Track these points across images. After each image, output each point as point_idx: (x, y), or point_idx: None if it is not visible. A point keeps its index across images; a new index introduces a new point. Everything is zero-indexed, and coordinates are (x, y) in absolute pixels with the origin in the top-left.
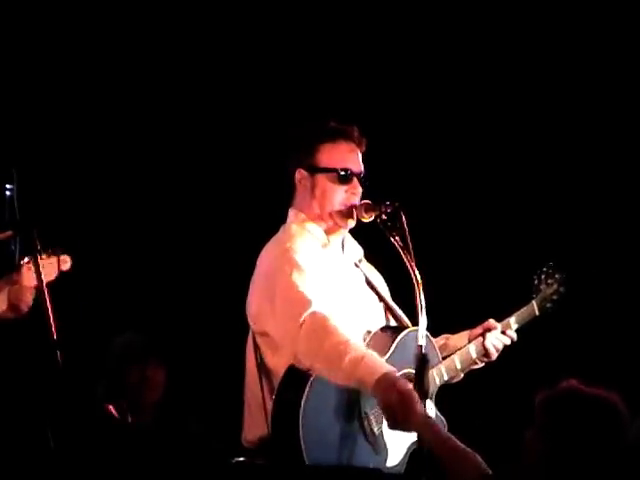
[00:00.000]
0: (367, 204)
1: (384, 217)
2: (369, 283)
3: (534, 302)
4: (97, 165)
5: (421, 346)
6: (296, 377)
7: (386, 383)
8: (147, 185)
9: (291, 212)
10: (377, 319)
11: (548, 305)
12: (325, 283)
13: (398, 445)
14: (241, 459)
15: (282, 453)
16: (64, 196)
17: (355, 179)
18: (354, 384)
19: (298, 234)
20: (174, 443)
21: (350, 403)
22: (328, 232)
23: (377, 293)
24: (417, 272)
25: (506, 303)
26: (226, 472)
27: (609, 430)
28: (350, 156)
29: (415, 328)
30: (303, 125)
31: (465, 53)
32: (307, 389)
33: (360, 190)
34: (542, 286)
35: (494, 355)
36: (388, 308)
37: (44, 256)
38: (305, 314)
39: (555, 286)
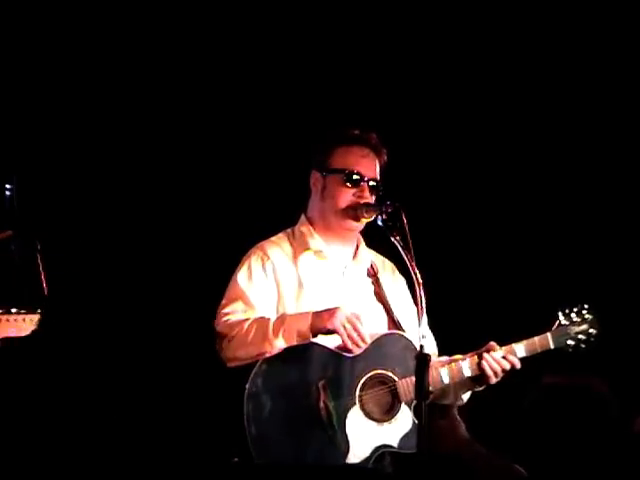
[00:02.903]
0: (368, 204)
1: (385, 217)
2: (378, 294)
3: (549, 335)
4: (96, 165)
5: (422, 346)
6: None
7: (323, 312)
8: (147, 185)
9: (301, 217)
10: (374, 328)
11: (569, 342)
12: (290, 288)
13: (362, 442)
14: (235, 459)
15: (233, 449)
16: (64, 196)
17: (365, 184)
18: (288, 340)
19: (275, 242)
20: (174, 443)
21: (308, 395)
22: (332, 237)
23: (385, 305)
24: (418, 272)
25: (506, 304)
26: (226, 472)
27: (595, 410)
28: (362, 160)
29: (396, 332)
30: (324, 131)
31: (465, 55)
32: (250, 384)
33: (368, 195)
34: (565, 322)
35: (491, 378)
36: (392, 321)
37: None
38: (222, 310)
39: (584, 326)
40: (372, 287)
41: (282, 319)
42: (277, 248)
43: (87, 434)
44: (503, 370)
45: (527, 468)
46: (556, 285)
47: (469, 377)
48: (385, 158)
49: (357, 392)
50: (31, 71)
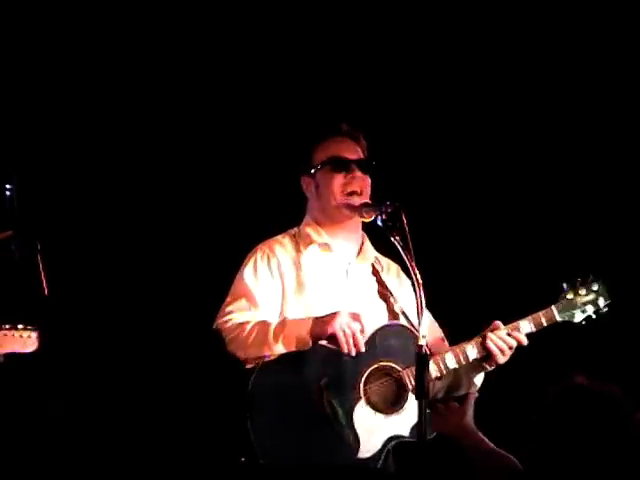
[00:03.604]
0: (367, 204)
1: (384, 217)
2: (381, 292)
3: (554, 307)
4: (96, 165)
5: (421, 346)
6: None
7: (324, 317)
8: (148, 185)
9: (305, 217)
10: (376, 326)
11: (577, 314)
12: (294, 286)
13: (372, 436)
14: (242, 459)
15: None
16: (64, 196)
17: (353, 165)
18: (288, 345)
19: (280, 240)
20: (181, 444)
21: (311, 394)
22: (337, 231)
23: (388, 303)
24: (417, 272)
25: (508, 302)
26: (227, 472)
27: (613, 423)
28: (342, 146)
29: (395, 322)
30: (297, 137)
31: (465, 54)
32: (251, 386)
33: (360, 174)
34: (571, 294)
35: (499, 357)
36: (394, 319)
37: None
38: (227, 308)
39: (591, 296)
40: (375, 285)
41: (283, 324)
42: (282, 246)
43: (92, 445)
44: (510, 347)
45: (533, 464)
46: (557, 286)
47: (477, 359)
48: (364, 141)
49: (361, 386)
50: (31, 71)
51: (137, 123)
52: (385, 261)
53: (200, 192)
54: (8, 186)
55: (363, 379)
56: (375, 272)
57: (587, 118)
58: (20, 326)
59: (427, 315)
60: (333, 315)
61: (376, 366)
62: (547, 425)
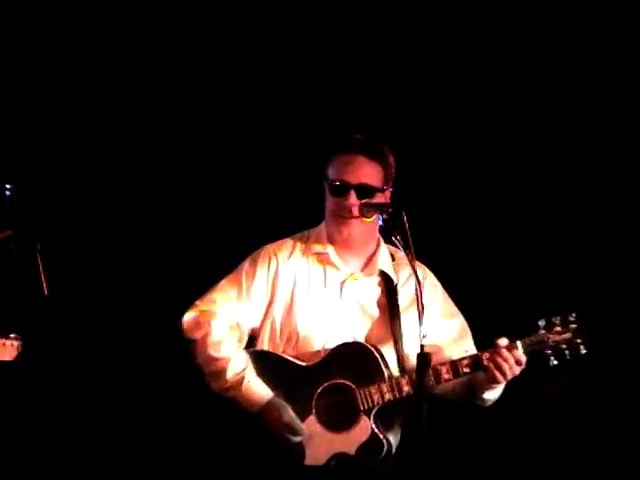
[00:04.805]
0: (368, 204)
1: (386, 217)
2: (383, 306)
3: (519, 343)
4: (97, 165)
5: (422, 346)
6: None
7: (268, 416)
8: (149, 186)
9: (322, 222)
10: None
11: (547, 352)
12: (285, 291)
13: (317, 451)
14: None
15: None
16: (64, 196)
17: (351, 191)
18: (232, 397)
19: (285, 243)
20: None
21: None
22: (338, 244)
23: (384, 318)
24: (418, 272)
25: (508, 304)
26: (224, 471)
27: (588, 416)
28: (346, 168)
29: (355, 341)
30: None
31: (466, 55)
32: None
33: (354, 201)
34: (543, 330)
35: (496, 374)
36: (391, 333)
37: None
38: (212, 295)
39: (567, 335)
40: (376, 297)
41: (239, 384)
42: (286, 251)
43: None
44: (509, 366)
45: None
46: (558, 290)
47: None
48: (384, 155)
49: (313, 401)
50: (31, 71)
51: (139, 124)
52: (407, 272)
53: (196, 190)
54: (8, 186)
55: (316, 395)
56: (382, 284)
57: (589, 132)
58: (12, 335)
59: (456, 326)
60: (274, 422)
61: (331, 383)
62: (529, 430)
